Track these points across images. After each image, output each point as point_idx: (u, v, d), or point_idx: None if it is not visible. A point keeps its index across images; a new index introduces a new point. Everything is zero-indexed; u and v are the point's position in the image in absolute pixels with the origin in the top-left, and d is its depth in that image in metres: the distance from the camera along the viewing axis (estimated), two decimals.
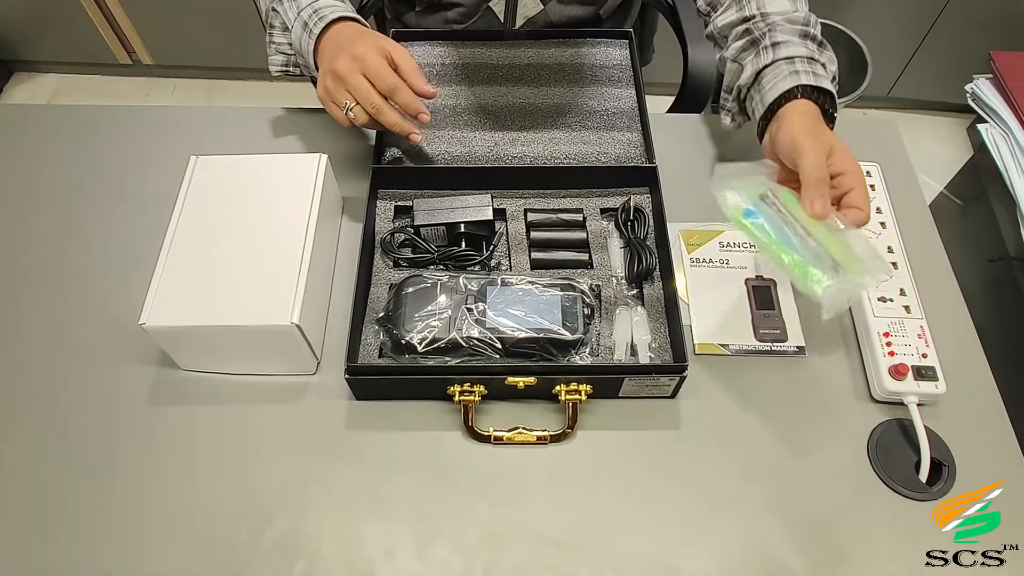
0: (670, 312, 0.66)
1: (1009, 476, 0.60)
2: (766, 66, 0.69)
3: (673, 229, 0.73)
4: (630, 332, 0.65)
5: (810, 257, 0.55)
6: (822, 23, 0.71)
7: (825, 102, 0.66)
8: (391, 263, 0.70)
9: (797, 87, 0.65)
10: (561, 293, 0.63)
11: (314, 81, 0.73)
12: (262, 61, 0.79)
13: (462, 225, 0.69)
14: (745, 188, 0.60)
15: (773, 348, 0.67)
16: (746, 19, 0.73)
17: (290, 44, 0.75)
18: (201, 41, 1.89)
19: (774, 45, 0.69)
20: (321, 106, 0.71)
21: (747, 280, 0.70)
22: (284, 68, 0.78)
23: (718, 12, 0.77)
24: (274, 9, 0.75)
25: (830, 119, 0.67)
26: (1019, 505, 0.59)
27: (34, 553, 0.57)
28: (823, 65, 0.68)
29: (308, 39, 0.71)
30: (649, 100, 0.81)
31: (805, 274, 0.55)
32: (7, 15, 1.88)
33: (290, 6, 0.73)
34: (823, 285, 0.54)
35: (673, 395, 0.64)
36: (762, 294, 0.69)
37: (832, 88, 0.67)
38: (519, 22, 0.86)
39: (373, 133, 0.79)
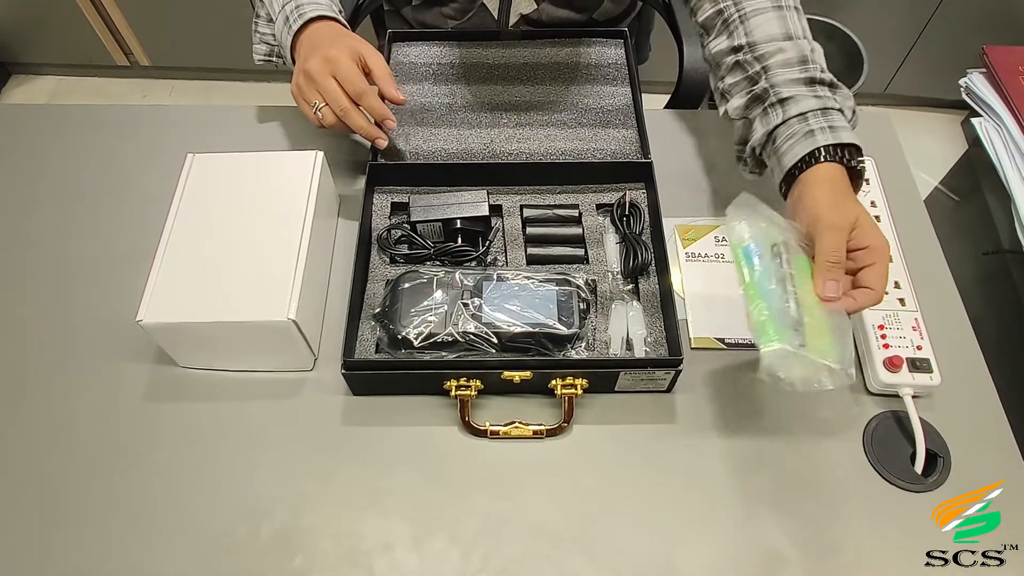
0: (666, 307, 0.66)
1: (1004, 467, 0.61)
2: (777, 126, 0.63)
3: (668, 224, 0.73)
4: (626, 327, 0.65)
5: (777, 318, 0.53)
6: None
7: (849, 156, 0.60)
8: (387, 259, 0.71)
9: (817, 149, 0.60)
10: (557, 288, 0.64)
11: None
12: None
13: (458, 221, 0.70)
14: (763, 231, 0.57)
15: None
16: (735, 48, 0.68)
17: (274, 35, 0.77)
18: (198, 43, 1.89)
19: (782, 102, 0.63)
20: None
21: None
22: (267, 58, 0.80)
23: (711, 36, 0.72)
24: (261, 0, 0.76)
25: (856, 174, 0.61)
26: (1019, 505, 0.59)
27: (32, 547, 0.58)
28: (840, 111, 0.62)
29: (287, 34, 0.72)
30: (645, 98, 0.81)
31: (762, 327, 0.53)
32: (5, 17, 1.88)
33: None
34: (770, 346, 0.53)
35: (669, 389, 0.64)
36: None
37: (854, 138, 0.60)
38: (513, 18, 0.87)
39: None
